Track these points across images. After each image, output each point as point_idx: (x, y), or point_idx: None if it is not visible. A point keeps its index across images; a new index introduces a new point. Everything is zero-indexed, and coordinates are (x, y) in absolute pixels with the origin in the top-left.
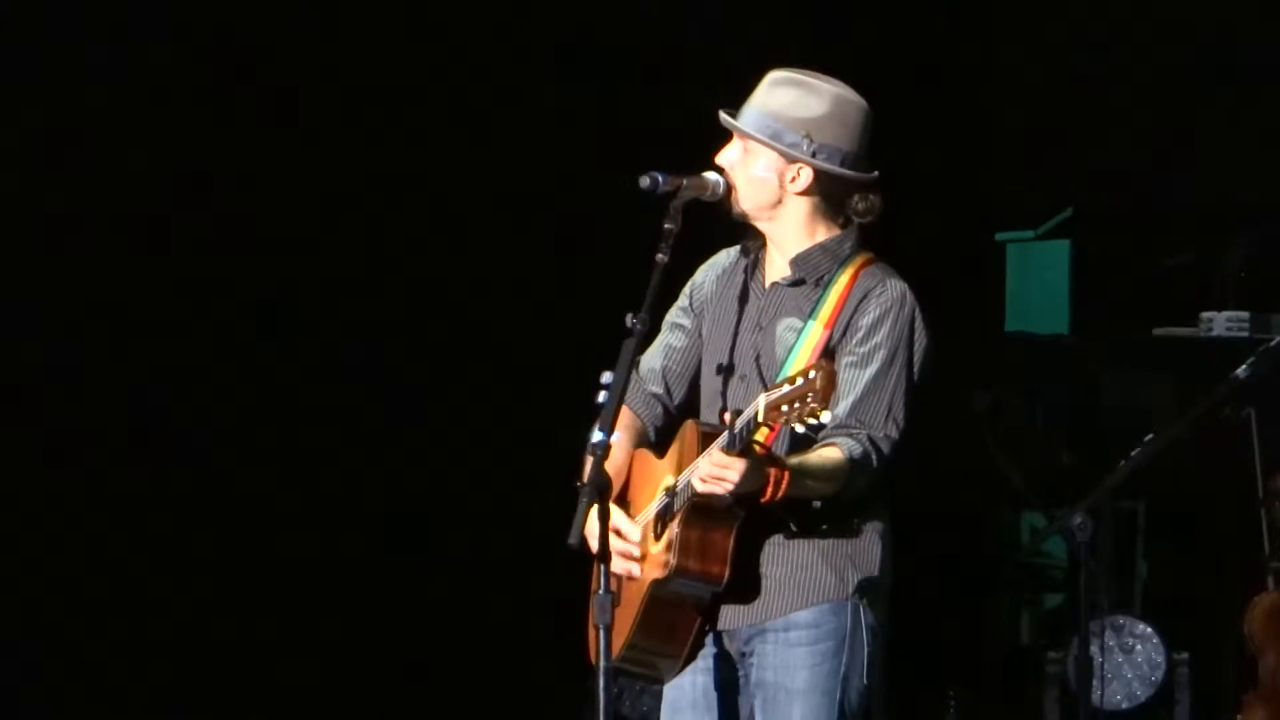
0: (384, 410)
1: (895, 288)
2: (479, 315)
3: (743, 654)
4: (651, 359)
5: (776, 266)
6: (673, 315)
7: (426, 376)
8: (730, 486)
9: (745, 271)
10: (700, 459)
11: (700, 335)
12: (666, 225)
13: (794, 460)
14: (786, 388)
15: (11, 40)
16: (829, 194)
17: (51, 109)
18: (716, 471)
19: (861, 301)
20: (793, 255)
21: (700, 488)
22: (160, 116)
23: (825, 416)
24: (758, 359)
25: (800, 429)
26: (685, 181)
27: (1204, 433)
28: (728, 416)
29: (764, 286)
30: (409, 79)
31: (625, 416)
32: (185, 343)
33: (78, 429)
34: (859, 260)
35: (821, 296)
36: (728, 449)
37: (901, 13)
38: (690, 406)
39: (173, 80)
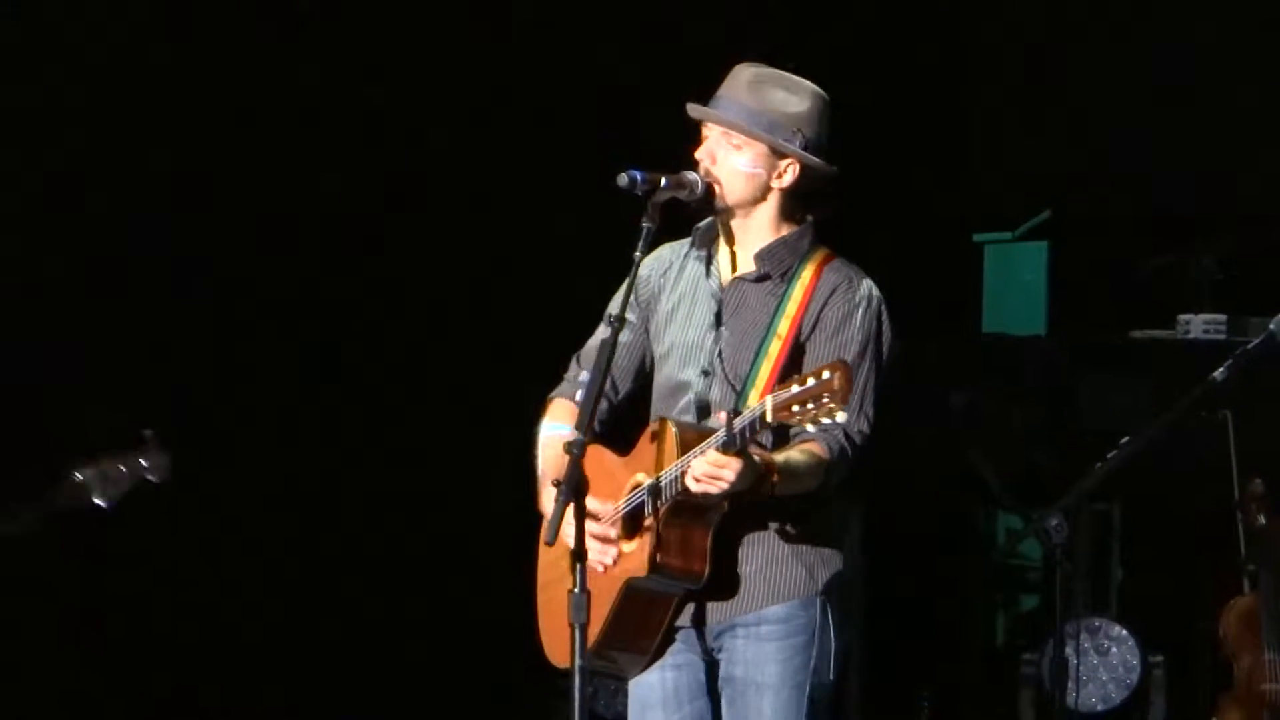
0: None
1: (863, 284)
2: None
3: (710, 650)
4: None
5: (739, 261)
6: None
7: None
8: (725, 486)
9: (701, 266)
10: (693, 459)
11: (646, 331)
12: (645, 224)
13: (779, 458)
14: (796, 388)
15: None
16: (804, 189)
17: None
18: (714, 471)
19: (830, 296)
20: (756, 250)
21: (695, 488)
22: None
23: (840, 416)
24: (720, 354)
25: (811, 429)
26: (664, 180)
27: (1180, 435)
28: (723, 416)
29: (722, 282)
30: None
31: (572, 412)
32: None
33: None
34: (819, 255)
35: (786, 291)
36: (725, 449)
37: (880, 13)
38: (633, 401)
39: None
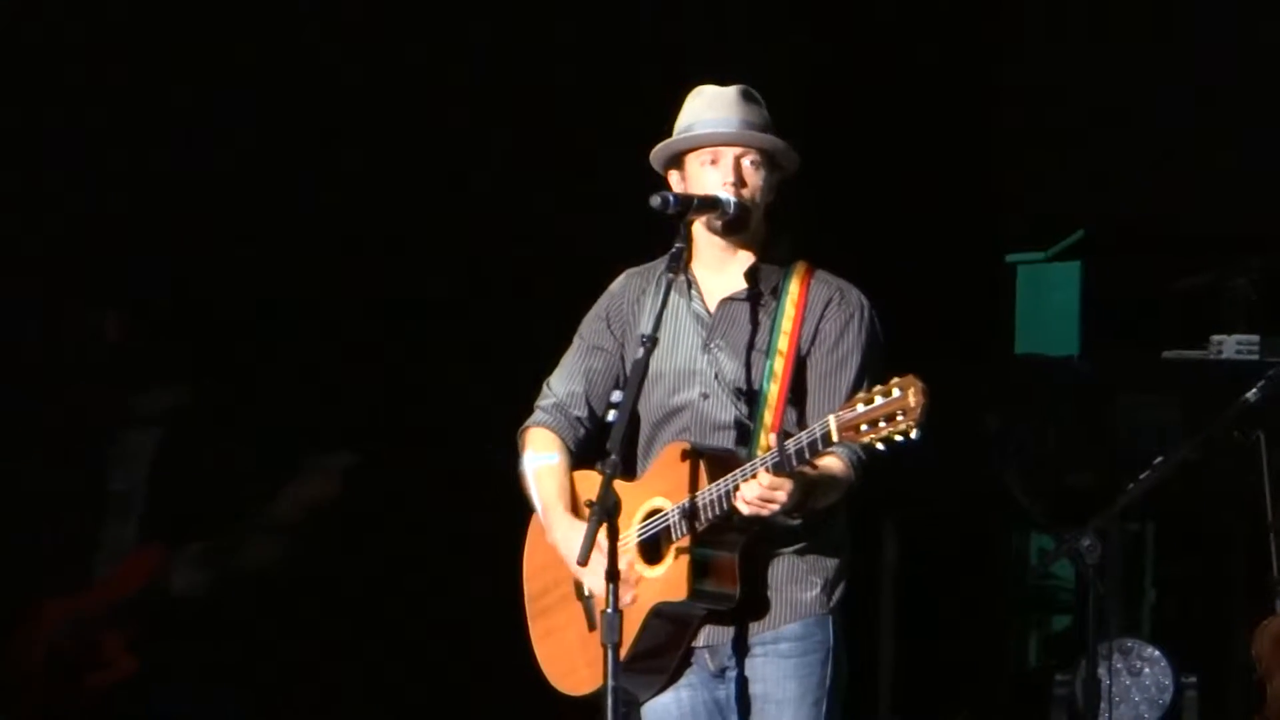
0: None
1: (852, 294)
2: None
3: (724, 669)
4: (570, 383)
5: (725, 280)
6: (590, 338)
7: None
8: (776, 507)
9: (682, 290)
10: (740, 481)
11: (621, 358)
12: (677, 245)
13: (814, 475)
14: (862, 407)
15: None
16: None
17: None
18: (767, 494)
19: (825, 309)
20: (745, 268)
21: (746, 510)
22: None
23: (915, 434)
24: (718, 376)
25: (882, 448)
26: (696, 201)
27: (1213, 455)
28: (772, 439)
29: (706, 304)
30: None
31: (555, 440)
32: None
33: None
34: (801, 268)
35: (778, 307)
36: (778, 470)
37: (910, 34)
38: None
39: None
